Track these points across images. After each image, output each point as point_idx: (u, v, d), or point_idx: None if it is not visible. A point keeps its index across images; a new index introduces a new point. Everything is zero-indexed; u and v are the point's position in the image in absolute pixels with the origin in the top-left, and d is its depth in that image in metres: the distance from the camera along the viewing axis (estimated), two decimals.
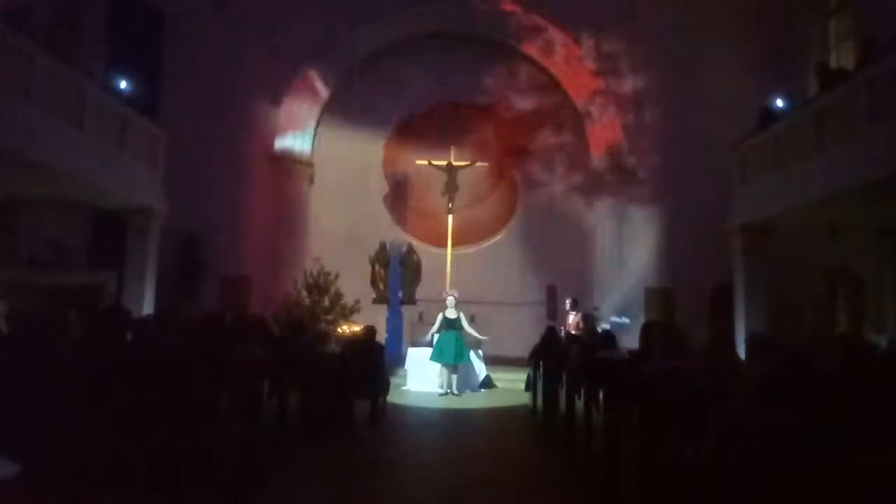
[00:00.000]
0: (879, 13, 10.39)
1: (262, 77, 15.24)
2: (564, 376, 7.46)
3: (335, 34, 15.59)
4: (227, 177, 14.44)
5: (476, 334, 11.89)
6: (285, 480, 5.57)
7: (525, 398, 10.25)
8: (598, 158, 15.59)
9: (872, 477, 2.90)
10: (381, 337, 13.71)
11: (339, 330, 13.66)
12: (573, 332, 11.88)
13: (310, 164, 15.88)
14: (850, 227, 10.39)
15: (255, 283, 14.72)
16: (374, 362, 9.05)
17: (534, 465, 6.83)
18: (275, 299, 14.15)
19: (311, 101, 15.79)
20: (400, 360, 12.58)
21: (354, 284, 15.29)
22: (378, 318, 14.85)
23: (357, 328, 12.67)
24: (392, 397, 10.02)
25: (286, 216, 15.39)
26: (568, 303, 12.76)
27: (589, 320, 12.53)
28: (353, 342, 10.26)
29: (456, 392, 11.23)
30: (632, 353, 6.11)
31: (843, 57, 12.15)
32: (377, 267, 15.36)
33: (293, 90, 15.55)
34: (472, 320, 12.12)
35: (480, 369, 12.16)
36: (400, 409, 9.88)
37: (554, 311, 15.05)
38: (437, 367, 11.51)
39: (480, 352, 12.25)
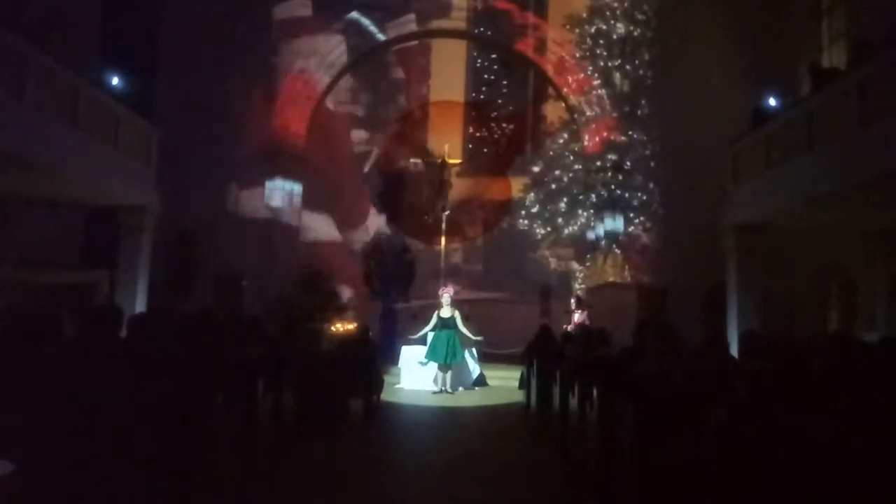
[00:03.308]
0: (871, 14, 10.44)
1: (257, 74, 15.24)
2: (558, 374, 7.48)
3: (331, 32, 15.59)
4: (221, 174, 14.44)
5: (470, 335, 11.89)
6: (280, 479, 5.57)
7: (519, 396, 10.26)
8: (591, 156, 15.62)
9: (866, 472, 2.93)
10: (375, 335, 13.76)
11: (332, 328, 13.65)
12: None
13: (304, 161, 15.86)
14: (842, 226, 10.44)
15: (249, 282, 14.72)
16: (366, 360, 9.06)
17: (528, 462, 6.85)
18: (269, 298, 14.16)
19: (305, 99, 15.77)
20: (394, 358, 12.58)
21: (348, 282, 15.32)
22: (372, 315, 14.88)
23: (350, 326, 12.66)
24: (386, 395, 10.03)
25: (280, 214, 15.36)
26: (573, 301, 12.70)
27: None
28: (345, 340, 10.26)
29: (450, 390, 11.25)
30: (626, 351, 6.13)
31: (834, 57, 12.21)
32: (371, 264, 15.36)
33: (288, 87, 15.53)
34: (465, 318, 12.13)
35: (474, 367, 12.18)
36: (394, 407, 9.88)
37: (548, 309, 15.08)
38: (431, 364, 11.52)
39: (474, 350, 12.26)
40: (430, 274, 15.15)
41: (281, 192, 15.39)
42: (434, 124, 16.47)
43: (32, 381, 3.35)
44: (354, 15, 15.69)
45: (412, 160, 15.98)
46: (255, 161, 15.29)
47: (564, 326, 11.76)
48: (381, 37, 15.78)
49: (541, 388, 8.57)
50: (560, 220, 16.14)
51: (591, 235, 15.45)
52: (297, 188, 15.57)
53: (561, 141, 16.31)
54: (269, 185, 15.23)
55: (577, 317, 12.25)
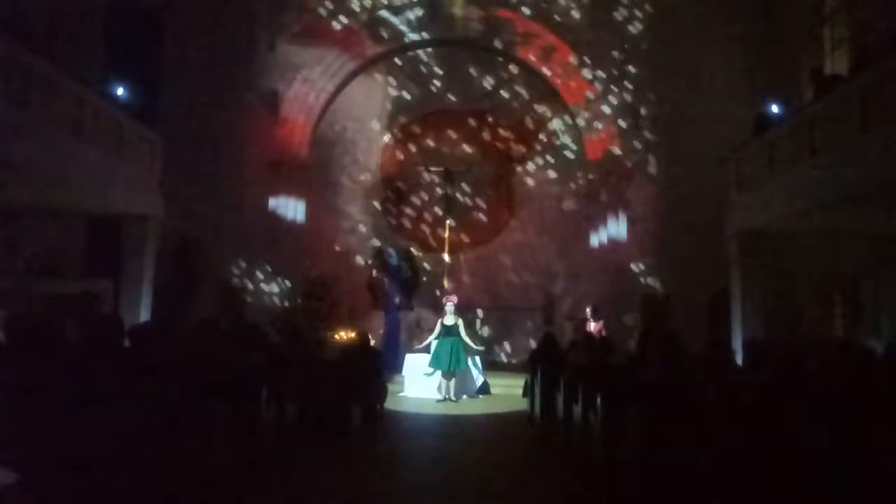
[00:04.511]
0: (873, 20, 10.46)
1: (260, 82, 15.30)
2: (562, 382, 7.47)
3: (332, 40, 15.64)
4: (224, 183, 14.48)
5: (471, 343, 11.87)
6: (283, 487, 5.56)
7: (523, 404, 10.24)
8: (594, 164, 15.63)
9: (872, 478, 2.92)
10: (379, 343, 13.74)
11: (335, 336, 13.65)
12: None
13: (307, 170, 15.87)
14: (846, 233, 10.43)
15: (253, 290, 14.76)
16: (367, 367, 9.05)
17: (532, 470, 6.83)
18: (272, 305, 14.21)
19: (308, 107, 15.80)
20: (398, 367, 12.56)
21: (352, 290, 15.32)
22: (376, 324, 14.87)
23: (352, 334, 12.67)
24: (390, 403, 10.01)
25: (284, 222, 15.36)
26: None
27: (582, 326, 12.47)
28: (347, 348, 10.26)
29: (453, 398, 11.24)
30: (630, 358, 6.13)
31: (837, 63, 12.22)
32: (375, 273, 15.36)
33: (290, 95, 15.57)
34: (468, 326, 12.11)
35: (478, 375, 12.17)
36: (397, 415, 9.87)
37: (552, 317, 15.06)
38: (436, 374, 11.50)
39: (477, 358, 12.25)
40: (435, 282, 15.15)
41: (284, 208, 15.31)
42: (437, 132, 16.48)
43: (36, 391, 3.35)
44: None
45: (415, 167, 15.98)
46: (258, 171, 15.32)
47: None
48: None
49: (544, 396, 8.56)
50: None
51: (594, 242, 15.42)
52: (300, 206, 15.53)
53: (563, 149, 16.32)
54: (272, 201, 15.20)
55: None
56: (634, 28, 15.44)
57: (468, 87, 16.41)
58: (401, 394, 11.68)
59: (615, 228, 15.18)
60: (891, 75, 7.31)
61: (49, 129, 8.31)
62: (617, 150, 15.34)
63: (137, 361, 4.18)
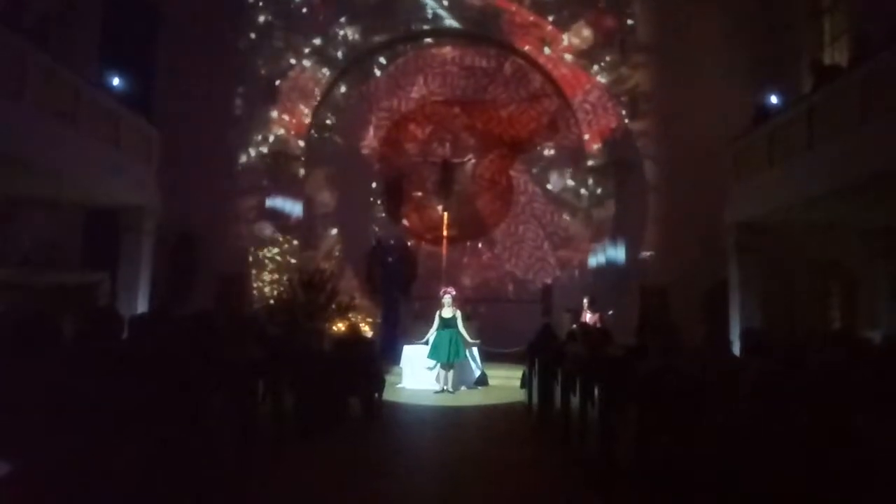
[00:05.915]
0: (873, 11, 10.42)
1: (257, 74, 15.25)
2: (560, 373, 7.47)
3: (330, 31, 15.59)
4: (221, 174, 14.45)
5: (468, 337, 11.86)
6: (281, 479, 5.57)
7: (521, 395, 10.26)
8: (592, 155, 15.61)
9: (870, 471, 2.91)
10: (377, 336, 13.74)
11: (333, 328, 13.64)
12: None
13: (304, 161, 15.84)
14: (844, 224, 10.42)
15: (250, 282, 14.75)
16: (362, 359, 9.04)
17: (529, 461, 6.84)
18: (270, 297, 14.20)
19: (305, 98, 15.75)
20: (396, 358, 12.56)
21: (350, 282, 15.31)
22: (374, 315, 14.88)
23: (343, 326, 12.66)
24: (388, 395, 10.02)
25: (281, 213, 15.34)
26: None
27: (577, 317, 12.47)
28: (342, 340, 10.27)
29: (451, 389, 11.25)
30: (628, 350, 6.12)
31: (836, 54, 12.19)
32: (373, 264, 15.34)
33: (288, 87, 15.52)
34: (467, 318, 12.11)
35: (476, 367, 12.18)
36: (395, 407, 9.88)
37: (549, 308, 15.05)
38: (433, 364, 11.51)
39: (475, 350, 12.25)
40: (433, 273, 15.14)
41: (282, 200, 15.25)
42: (435, 123, 16.44)
43: (31, 385, 3.34)
44: None
45: (413, 158, 15.95)
46: (256, 162, 15.30)
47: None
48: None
49: (542, 388, 8.57)
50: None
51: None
52: (298, 197, 15.48)
53: (562, 139, 16.29)
54: (269, 192, 15.16)
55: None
56: (634, 19, 15.41)
57: (467, 78, 16.36)
58: (399, 385, 11.69)
59: (613, 219, 15.18)
60: (891, 66, 7.28)
61: (45, 120, 8.26)
62: (615, 141, 15.32)
63: (134, 354, 4.16)
